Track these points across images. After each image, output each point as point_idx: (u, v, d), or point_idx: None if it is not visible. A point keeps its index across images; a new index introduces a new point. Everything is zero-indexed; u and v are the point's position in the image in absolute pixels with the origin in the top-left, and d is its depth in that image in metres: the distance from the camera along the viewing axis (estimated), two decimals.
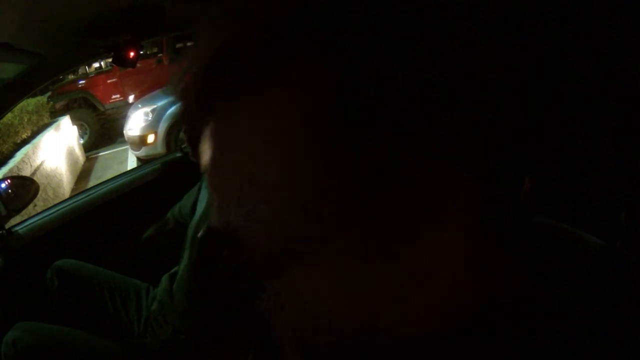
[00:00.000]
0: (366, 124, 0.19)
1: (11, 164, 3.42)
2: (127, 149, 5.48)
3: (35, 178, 1.21)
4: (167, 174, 1.56)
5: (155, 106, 4.17)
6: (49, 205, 1.40)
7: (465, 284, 0.23)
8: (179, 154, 1.66)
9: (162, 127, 4.11)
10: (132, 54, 1.12)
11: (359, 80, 0.18)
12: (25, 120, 4.18)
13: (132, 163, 4.81)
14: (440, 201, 0.20)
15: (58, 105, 6.07)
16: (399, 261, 0.21)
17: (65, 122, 5.33)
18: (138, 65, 1.18)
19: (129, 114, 4.42)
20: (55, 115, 5.43)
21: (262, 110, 0.20)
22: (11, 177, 1.17)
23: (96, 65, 6.78)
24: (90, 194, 1.42)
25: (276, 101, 0.20)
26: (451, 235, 0.21)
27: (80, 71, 6.56)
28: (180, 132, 3.62)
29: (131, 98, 6.43)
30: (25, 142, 4.04)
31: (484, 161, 0.20)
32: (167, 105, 4.08)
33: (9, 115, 3.48)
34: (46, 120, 4.95)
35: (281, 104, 0.19)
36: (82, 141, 5.90)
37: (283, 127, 0.19)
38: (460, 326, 0.23)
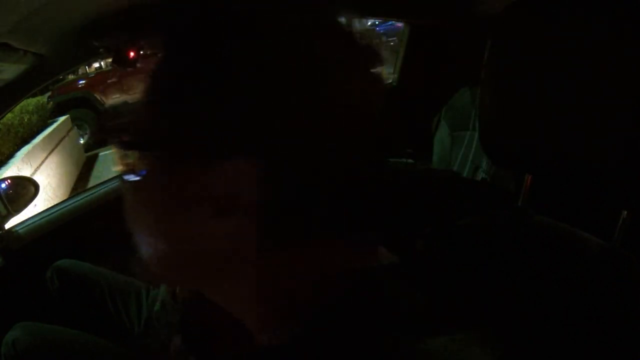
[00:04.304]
0: None
1: (11, 164, 3.42)
2: None
3: (35, 178, 1.20)
4: None
5: None
6: (49, 205, 1.39)
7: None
8: None
9: None
10: (132, 54, 1.12)
11: None
12: (25, 120, 4.17)
13: None
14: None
15: (57, 105, 6.06)
16: None
17: (65, 121, 5.33)
18: (138, 65, 1.18)
19: None
20: (54, 115, 5.42)
21: None
22: (11, 177, 1.16)
23: (96, 65, 6.78)
24: (90, 194, 1.42)
25: None
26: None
27: (80, 71, 6.55)
28: None
29: (131, 98, 6.42)
30: (25, 142, 4.03)
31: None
32: None
33: (9, 115, 3.47)
34: (46, 120, 4.94)
35: None
36: (82, 141, 5.89)
37: None
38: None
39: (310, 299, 0.27)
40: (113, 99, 6.42)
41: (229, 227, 0.25)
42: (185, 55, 0.26)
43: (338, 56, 0.25)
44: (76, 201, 1.37)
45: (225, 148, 0.24)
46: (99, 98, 6.33)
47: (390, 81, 1.74)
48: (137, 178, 0.29)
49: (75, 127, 5.69)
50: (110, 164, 5.13)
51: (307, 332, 0.26)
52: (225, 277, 0.28)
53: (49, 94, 5.95)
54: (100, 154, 5.74)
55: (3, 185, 1.10)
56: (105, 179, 1.62)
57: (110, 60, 1.17)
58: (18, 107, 3.64)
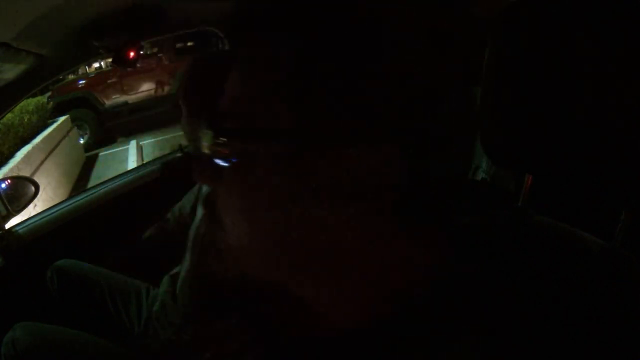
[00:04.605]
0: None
1: (11, 164, 3.42)
2: (126, 149, 5.48)
3: (35, 178, 1.21)
4: (167, 174, 1.56)
5: None
6: (49, 205, 1.40)
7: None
8: (179, 154, 1.66)
9: None
10: (132, 54, 1.12)
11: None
12: (25, 120, 4.17)
13: (132, 163, 4.81)
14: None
15: (57, 105, 6.07)
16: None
17: (65, 121, 5.33)
18: (138, 65, 1.18)
19: None
20: (54, 115, 5.43)
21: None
22: (11, 177, 1.17)
23: (96, 65, 6.79)
24: (90, 194, 1.42)
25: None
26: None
27: (80, 71, 6.56)
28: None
29: (131, 98, 6.43)
30: (25, 142, 4.04)
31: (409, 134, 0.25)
32: None
33: (9, 115, 3.48)
34: (46, 120, 4.95)
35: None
36: (82, 141, 5.89)
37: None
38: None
39: (404, 290, 0.27)
40: (113, 99, 6.43)
41: (350, 213, 0.24)
42: (333, 43, 0.25)
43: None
44: (76, 201, 1.38)
45: (376, 134, 0.24)
46: (99, 98, 6.33)
47: None
48: (227, 164, 0.27)
49: (75, 127, 5.70)
50: (111, 164, 5.14)
51: (394, 322, 0.26)
52: (323, 266, 0.26)
53: (49, 94, 5.96)
54: (100, 154, 5.75)
55: (3, 185, 1.10)
56: (105, 179, 1.62)
57: (110, 60, 1.17)
58: (18, 107, 3.64)
